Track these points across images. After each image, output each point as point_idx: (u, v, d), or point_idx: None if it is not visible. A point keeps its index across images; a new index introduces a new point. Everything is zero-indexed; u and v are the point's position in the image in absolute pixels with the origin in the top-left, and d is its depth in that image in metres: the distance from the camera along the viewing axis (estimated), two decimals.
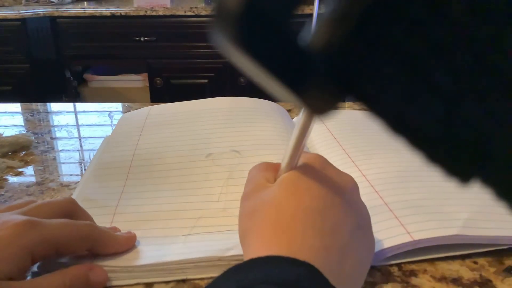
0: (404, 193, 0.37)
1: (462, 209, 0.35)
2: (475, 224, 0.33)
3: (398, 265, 0.32)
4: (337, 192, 0.26)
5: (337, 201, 0.26)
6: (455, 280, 0.31)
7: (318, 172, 0.27)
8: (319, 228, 0.24)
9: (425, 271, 0.32)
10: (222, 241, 0.32)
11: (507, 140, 0.17)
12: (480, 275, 0.31)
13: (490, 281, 0.31)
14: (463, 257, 0.33)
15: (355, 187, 0.28)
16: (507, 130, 0.17)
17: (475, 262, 0.33)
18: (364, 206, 0.29)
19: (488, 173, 0.18)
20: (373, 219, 0.34)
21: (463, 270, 0.32)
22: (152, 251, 0.32)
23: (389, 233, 0.33)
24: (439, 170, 0.18)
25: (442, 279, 0.31)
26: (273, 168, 0.29)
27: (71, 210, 0.32)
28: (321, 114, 0.20)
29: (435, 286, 0.30)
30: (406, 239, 0.32)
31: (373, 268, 0.32)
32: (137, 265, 0.31)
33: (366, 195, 0.38)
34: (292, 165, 0.27)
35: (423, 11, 0.15)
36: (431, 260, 0.33)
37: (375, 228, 0.34)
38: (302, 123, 0.25)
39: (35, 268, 0.30)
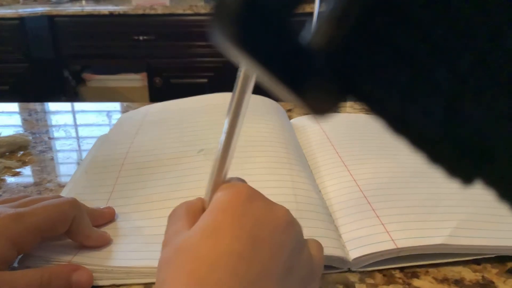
0: (393, 200, 0.37)
1: (451, 218, 0.34)
2: (462, 233, 0.33)
3: (400, 267, 0.32)
4: (264, 230, 0.22)
5: (265, 241, 0.21)
6: (457, 282, 0.31)
7: (243, 207, 0.23)
8: (242, 276, 0.20)
9: (427, 273, 0.31)
10: None
11: (508, 140, 0.17)
12: (483, 276, 0.31)
13: (492, 282, 0.31)
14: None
15: (289, 223, 0.23)
16: (508, 129, 0.16)
17: (478, 264, 0.32)
18: (303, 245, 0.24)
19: (490, 173, 0.18)
20: (359, 224, 0.34)
21: (465, 272, 0.32)
22: (131, 252, 0.32)
23: (373, 239, 0.32)
24: (441, 170, 0.18)
25: (444, 280, 0.31)
26: (194, 209, 0.25)
27: None
28: (322, 115, 0.20)
29: None
30: (389, 246, 0.31)
31: (374, 270, 0.32)
32: (115, 266, 0.31)
33: (354, 200, 0.38)
34: (219, 181, 0.24)
35: (424, 10, 0.15)
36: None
37: (360, 233, 0.34)
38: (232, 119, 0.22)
39: (15, 263, 0.31)
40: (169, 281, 0.20)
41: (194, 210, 0.25)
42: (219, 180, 0.25)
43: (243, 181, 0.26)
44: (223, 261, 0.20)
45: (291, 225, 0.23)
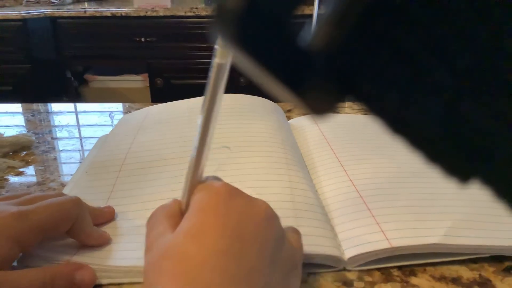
0: (389, 200, 0.37)
1: (447, 218, 0.35)
2: (457, 233, 0.33)
3: (397, 265, 0.32)
4: (248, 226, 0.22)
5: (249, 238, 0.22)
6: (455, 280, 0.31)
7: (224, 205, 0.23)
8: (233, 273, 0.20)
9: (424, 271, 0.32)
10: None
11: (507, 139, 0.17)
12: (480, 274, 0.32)
13: (489, 280, 0.31)
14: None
15: (270, 217, 0.24)
16: (507, 129, 0.17)
17: (475, 262, 0.33)
18: (284, 236, 0.25)
19: (488, 172, 0.18)
20: (354, 224, 0.35)
21: (462, 270, 0.32)
22: (131, 252, 0.32)
23: (368, 238, 0.33)
24: (438, 170, 0.18)
25: (442, 278, 0.31)
26: (173, 212, 0.25)
27: None
28: (321, 115, 0.20)
29: (435, 286, 0.30)
30: (384, 245, 0.32)
31: (372, 268, 0.32)
32: (115, 265, 0.31)
33: (350, 200, 0.38)
34: (195, 182, 0.24)
35: (424, 10, 0.15)
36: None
37: (355, 232, 0.34)
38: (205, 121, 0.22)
39: (14, 263, 0.30)
40: (160, 286, 0.20)
41: (173, 213, 0.25)
42: (195, 180, 0.24)
43: (219, 179, 0.26)
44: (212, 261, 0.20)
45: (272, 218, 0.24)
